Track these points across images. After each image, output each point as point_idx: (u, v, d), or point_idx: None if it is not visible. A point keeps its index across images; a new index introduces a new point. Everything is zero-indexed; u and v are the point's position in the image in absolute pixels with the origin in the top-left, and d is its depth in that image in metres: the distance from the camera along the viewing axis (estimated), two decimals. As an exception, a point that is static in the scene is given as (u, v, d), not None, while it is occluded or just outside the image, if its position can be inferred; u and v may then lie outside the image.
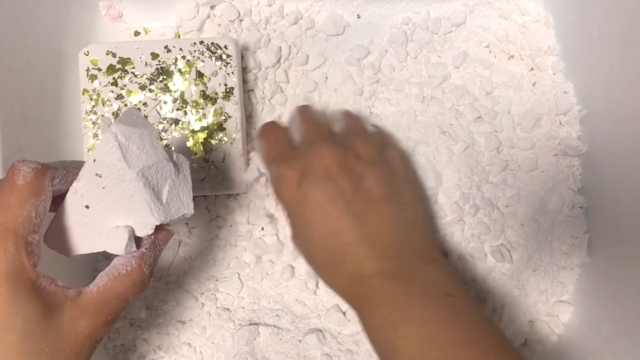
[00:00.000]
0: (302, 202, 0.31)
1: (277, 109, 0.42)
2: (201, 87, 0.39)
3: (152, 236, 0.29)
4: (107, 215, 0.28)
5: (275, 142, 0.34)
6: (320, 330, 0.41)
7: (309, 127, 0.34)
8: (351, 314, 0.41)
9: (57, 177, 0.27)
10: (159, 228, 0.29)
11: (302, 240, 0.32)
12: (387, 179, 0.32)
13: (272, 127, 0.35)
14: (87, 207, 0.28)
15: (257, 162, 0.42)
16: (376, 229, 0.30)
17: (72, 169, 0.28)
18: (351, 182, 0.31)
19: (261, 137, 0.35)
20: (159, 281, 0.41)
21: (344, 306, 0.41)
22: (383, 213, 0.31)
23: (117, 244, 0.28)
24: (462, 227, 0.40)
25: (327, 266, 0.32)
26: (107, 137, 0.27)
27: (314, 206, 0.31)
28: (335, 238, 0.30)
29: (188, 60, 0.39)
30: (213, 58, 0.39)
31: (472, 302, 0.29)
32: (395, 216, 0.31)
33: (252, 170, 0.40)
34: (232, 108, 0.39)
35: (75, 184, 0.28)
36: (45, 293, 0.26)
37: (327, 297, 0.41)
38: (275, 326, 0.40)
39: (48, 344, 0.25)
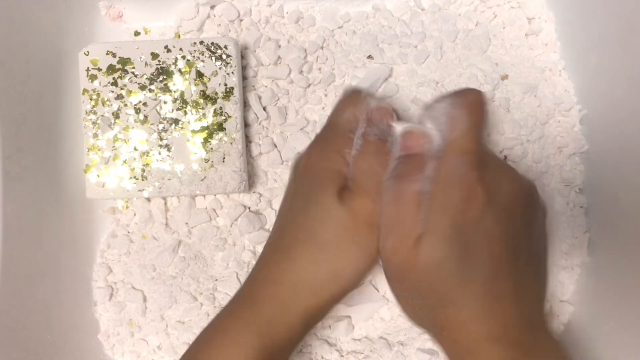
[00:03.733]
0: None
1: (277, 110, 0.42)
2: (201, 87, 0.39)
3: None
4: None
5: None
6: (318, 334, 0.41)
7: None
8: (354, 318, 0.41)
9: None
10: None
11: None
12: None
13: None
14: None
15: (260, 162, 0.42)
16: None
17: None
18: None
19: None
20: (158, 281, 0.41)
21: (345, 309, 0.41)
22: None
23: None
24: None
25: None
26: None
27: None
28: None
29: (188, 60, 0.39)
30: (213, 58, 0.39)
31: None
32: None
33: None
34: (232, 108, 0.39)
35: None
36: None
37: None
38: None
39: None
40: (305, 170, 0.32)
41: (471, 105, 0.30)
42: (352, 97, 0.33)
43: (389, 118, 0.32)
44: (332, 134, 0.33)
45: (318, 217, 0.30)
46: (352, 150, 0.31)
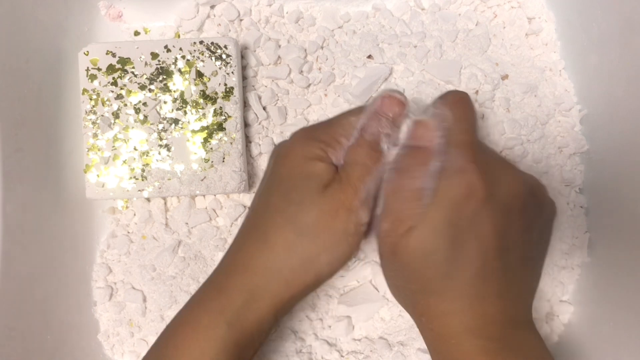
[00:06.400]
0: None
1: (276, 110, 0.42)
2: (201, 87, 0.39)
3: None
4: None
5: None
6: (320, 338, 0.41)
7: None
8: (354, 318, 0.41)
9: None
10: None
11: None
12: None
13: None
14: None
15: (260, 162, 0.42)
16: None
17: None
18: None
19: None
20: (158, 281, 0.41)
21: (346, 309, 0.41)
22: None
23: None
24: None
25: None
26: None
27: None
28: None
29: (188, 60, 0.39)
30: (213, 58, 0.39)
31: None
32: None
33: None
34: (232, 108, 0.39)
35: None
36: None
37: (327, 298, 0.41)
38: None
39: None
40: (290, 158, 0.31)
41: (453, 102, 0.30)
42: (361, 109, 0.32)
43: (399, 109, 0.30)
44: (322, 127, 0.32)
45: (299, 202, 0.29)
46: (341, 141, 0.31)
